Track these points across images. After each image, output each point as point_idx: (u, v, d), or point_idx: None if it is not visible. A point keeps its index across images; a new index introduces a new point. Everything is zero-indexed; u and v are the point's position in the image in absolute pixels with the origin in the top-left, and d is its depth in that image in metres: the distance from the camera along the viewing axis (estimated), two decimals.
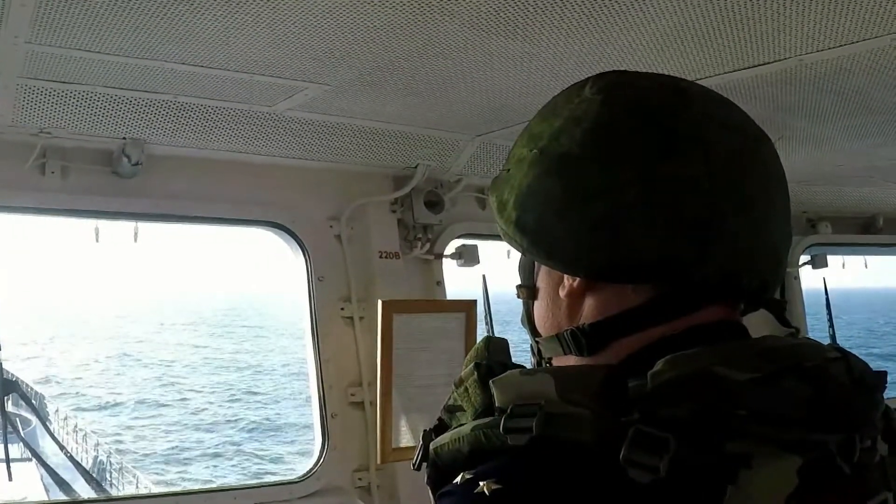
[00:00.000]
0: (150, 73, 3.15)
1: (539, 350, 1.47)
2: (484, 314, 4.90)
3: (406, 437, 4.30)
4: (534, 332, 1.49)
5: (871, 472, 1.25)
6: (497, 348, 1.47)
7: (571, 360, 1.37)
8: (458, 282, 5.12)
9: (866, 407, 1.27)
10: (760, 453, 1.12)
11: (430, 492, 1.34)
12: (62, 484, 26.27)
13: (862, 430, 1.24)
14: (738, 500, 1.09)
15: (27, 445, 28.95)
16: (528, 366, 1.44)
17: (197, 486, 27.71)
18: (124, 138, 3.85)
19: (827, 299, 6.77)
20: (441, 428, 1.40)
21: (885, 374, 1.33)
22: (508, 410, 1.23)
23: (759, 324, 1.48)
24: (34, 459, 27.49)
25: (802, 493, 1.13)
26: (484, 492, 1.15)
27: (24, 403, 32.32)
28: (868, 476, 1.24)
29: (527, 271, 1.50)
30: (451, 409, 1.42)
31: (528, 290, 1.49)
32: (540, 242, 1.34)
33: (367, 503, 4.41)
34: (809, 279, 6.35)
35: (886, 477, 1.28)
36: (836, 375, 1.23)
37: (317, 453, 4.45)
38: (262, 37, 2.77)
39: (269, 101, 3.53)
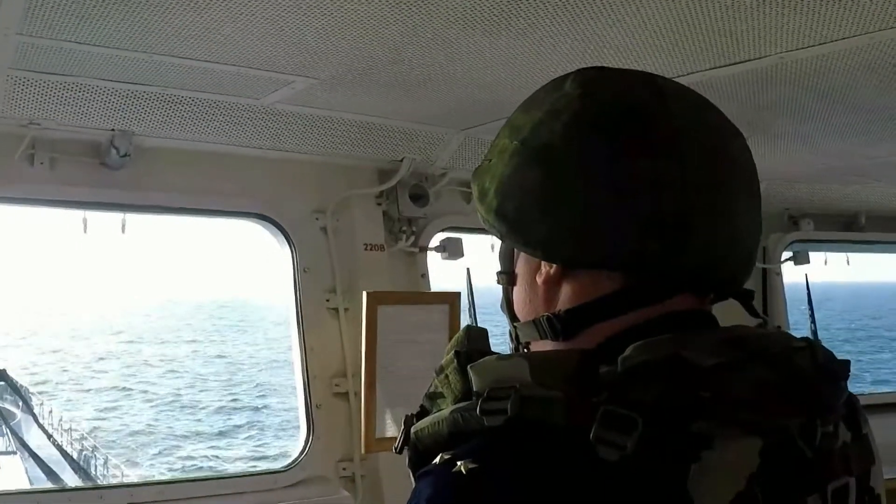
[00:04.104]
0: (139, 65, 3.17)
1: (517, 335, 1.51)
2: (468, 307, 4.93)
3: (390, 428, 4.33)
4: (512, 317, 1.53)
5: (833, 456, 1.30)
6: (477, 337, 1.49)
7: (548, 345, 1.41)
8: (442, 275, 5.15)
9: (829, 394, 1.32)
10: (723, 434, 1.17)
11: (410, 474, 1.37)
12: (50, 474, 26.27)
13: (824, 415, 1.29)
14: (701, 479, 1.13)
15: (15, 435, 28.89)
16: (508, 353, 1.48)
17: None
18: (113, 130, 3.88)
19: (809, 296, 6.80)
20: (423, 414, 1.42)
21: (848, 362, 1.38)
22: (485, 394, 1.27)
23: (732, 314, 1.52)
24: (19, 452, 27.44)
25: (764, 474, 1.18)
26: (461, 471, 1.19)
27: (12, 393, 32.22)
28: (830, 460, 1.29)
29: (506, 258, 1.54)
30: (433, 396, 1.45)
31: (507, 277, 1.53)
32: (518, 230, 1.39)
33: (351, 493, 4.45)
34: (791, 274, 6.41)
35: (848, 462, 1.33)
36: (801, 363, 1.28)
37: (301, 443, 4.50)
38: (250, 30, 2.80)
39: (256, 93, 3.56)
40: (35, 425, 31.13)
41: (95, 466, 29.00)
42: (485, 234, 4.82)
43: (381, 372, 4.31)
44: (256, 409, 51.53)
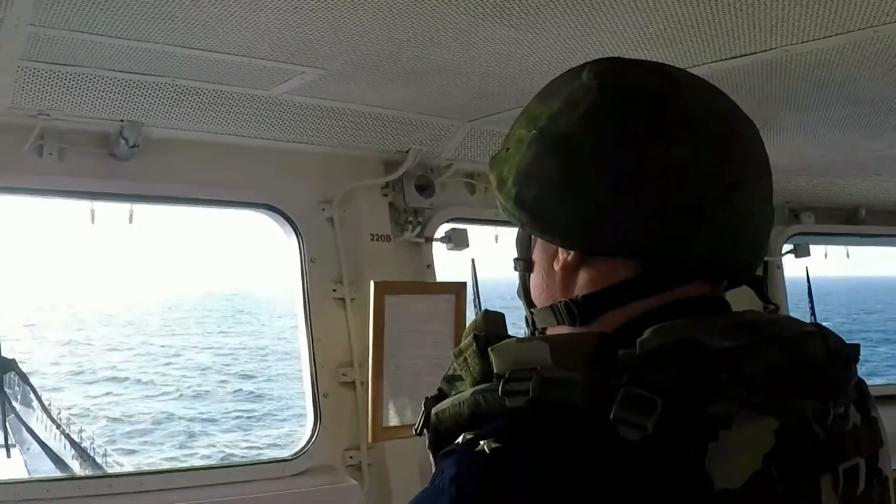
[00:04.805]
0: (149, 55, 3.19)
1: (533, 321, 1.55)
2: (473, 297, 4.96)
3: (396, 417, 4.37)
4: (529, 303, 1.57)
5: (844, 438, 1.33)
6: (494, 321, 1.52)
7: (564, 330, 1.44)
8: (448, 265, 5.19)
9: (840, 377, 1.37)
10: (740, 415, 1.20)
11: (430, 455, 1.41)
12: (57, 463, 26.22)
13: (836, 398, 1.33)
14: (719, 457, 1.17)
15: (25, 425, 28.80)
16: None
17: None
18: (122, 120, 3.89)
19: (809, 288, 6.85)
20: (441, 397, 1.46)
21: (858, 346, 1.43)
22: (506, 375, 1.30)
23: (743, 301, 1.55)
24: (18, 446, 27.35)
25: (779, 453, 1.21)
26: (484, 450, 1.22)
27: (21, 383, 32.03)
28: (841, 442, 1.33)
29: (524, 245, 1.58)
30: (451, 379, 1.48)
31: (524, 263, 1.57)
32: (537, 217, 1.42)
33: (358, 481, 4.48)
34: (792, 268, 6.44)
35: (858, 444, 1.36)
36: (813, 347, 1.32)
37: (308, 432, 4.53)
38: (260, 21, 2.83)
39: (265, 84, 3.59)
40: (37, 417, 31.03)
41: (94, 459, 28.92)
42: (489, 226, 4.91)
43: (387, 361, 4.35)
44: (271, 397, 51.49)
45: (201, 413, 47.58)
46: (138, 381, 56.83)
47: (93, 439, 30.85)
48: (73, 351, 69.28)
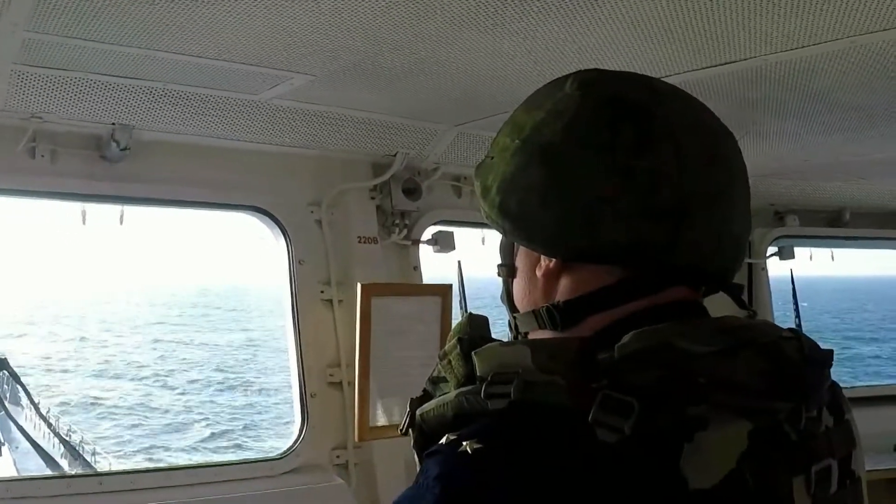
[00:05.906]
0: (141, 60, 3.23)
1: (516, 325, 1.57)
2: (459, 299, 5.00)
3: (382, 417, 4.41)
4: (512, 308, 1.60)
5: (817, 439, 1.37)
6: (478, 324, 1.54)
7: (546, 335, 1.47)
8: (436, 265, 5.23)
9: (814, 380, 1.39)
10: (716, 417, 1.24)
11: (415, 455, 1.44)
12: (48, 460, 26.09)
13: (809, 400, 1.36)
14: (694, 458, 1.21)
15: (13, 421, 28.63)
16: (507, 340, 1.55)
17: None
18: (113, 124, 3.93)
19: (794, 290, 6.90)
20: (426, 398, 1.48)
21: (831, 352, 1.46)
22: (489, 378, 1.33)
23: (723, 307, 1.59)
24: (7, 444, 27.21)
25: (752, 454, 1.24)
26: (467, 450, 1.25)
27: (13, 381, 31.84)
28: (814, 443, 1.36)
29: (507, 251, 1.60)
30: (436, 381, 1.50)
31: (507, 269, 1.60)
32: (520, 226, 1.45)
33: (345, 480, 4.52)
34: (778, 268, 6.48)
35: (831, 445, 1.40)
36: (788, 351, 1.35)
37: (296, 431, 4.57)
38: (250, 28, 2.87)
39: (254, 89, 3.63)
40: (26, 416, 30.82)
41: (84, 457, 28.72)
42: (475, 228, 4.95)
43: (374, 362, 4.39)
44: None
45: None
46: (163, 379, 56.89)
47: (81, 437, 30.67)
48: (78, 347, 69.19)
